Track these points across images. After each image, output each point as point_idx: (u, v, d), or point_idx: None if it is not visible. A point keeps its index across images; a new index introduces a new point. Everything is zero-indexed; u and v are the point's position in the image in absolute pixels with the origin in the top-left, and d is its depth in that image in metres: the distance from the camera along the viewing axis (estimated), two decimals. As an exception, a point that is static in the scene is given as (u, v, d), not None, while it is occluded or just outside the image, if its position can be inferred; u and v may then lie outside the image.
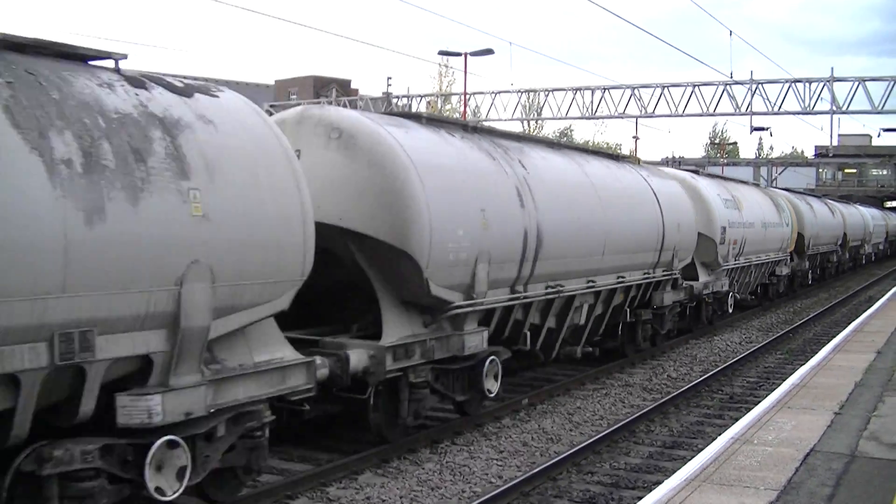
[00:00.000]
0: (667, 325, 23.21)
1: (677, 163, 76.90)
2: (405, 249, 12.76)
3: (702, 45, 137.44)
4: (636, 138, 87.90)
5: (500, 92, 61.72)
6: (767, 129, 71.10)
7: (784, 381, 15.77)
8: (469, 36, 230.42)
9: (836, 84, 52.62)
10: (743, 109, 55.33)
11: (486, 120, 59.24)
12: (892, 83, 49.53)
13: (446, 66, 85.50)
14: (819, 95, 52.62)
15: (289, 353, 10.88)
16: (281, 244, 10.13)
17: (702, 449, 11.43)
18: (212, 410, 9.45)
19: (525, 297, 15.77)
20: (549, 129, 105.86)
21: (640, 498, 9.48)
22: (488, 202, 14.31)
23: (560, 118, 63.74)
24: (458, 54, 49.44)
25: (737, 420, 12.86)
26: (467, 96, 59.35)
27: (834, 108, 52.96)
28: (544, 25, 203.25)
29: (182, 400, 9.07)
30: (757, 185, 38.57)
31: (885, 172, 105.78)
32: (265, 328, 10.58)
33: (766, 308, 34.86)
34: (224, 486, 10.43)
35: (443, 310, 13.78)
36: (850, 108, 53.04)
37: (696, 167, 40.52)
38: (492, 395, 15.11)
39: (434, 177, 13.20)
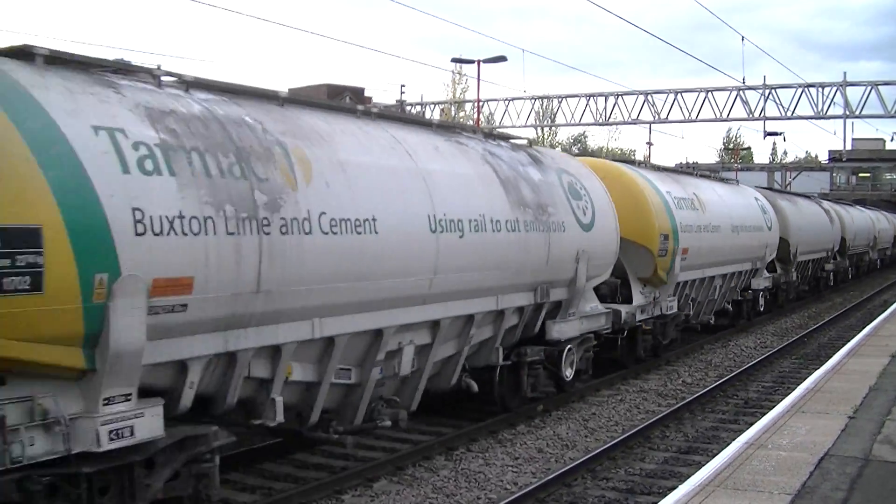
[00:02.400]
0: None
1: (692, 167, 76.85)
2: None
3: (715, 51, 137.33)
4: (650, 144, 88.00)
5: (513, 99, 61.85)
6: (781, 133, 70.95)
7: (798, 385, 15.73)
8: (482, 43, 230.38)
9: (849, 88, 52.63)
10: (756, 114, 55.38)
11: (500, 126, 59.31)
12: (905, 87, 49.53)
13: (459, 74, 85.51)
14: (832, 100, 52.67)
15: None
16: None
17: (717, 454, 11.44)
18: None
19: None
20: (563, 136, 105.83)
21: None
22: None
23: (574, 124, 64.01)
24: (471, 62, 49.49)
25: (752, 425, 12.86)
26: (481, 103, 59.38)
27: (847, 112, 52.93)
28: (557, 32, 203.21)
29: None
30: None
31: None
32: None
33: (781, 313, 34.65)
34: None
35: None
36: (864, 113, 53.01)
37: (710, 172, 39.93)
38: None
39: None
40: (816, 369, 17.55)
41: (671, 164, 65.17)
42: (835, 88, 52.98)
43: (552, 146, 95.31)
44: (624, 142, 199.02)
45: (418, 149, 13.02)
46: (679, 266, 21.45)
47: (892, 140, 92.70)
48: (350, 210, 10.91)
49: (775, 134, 68.81)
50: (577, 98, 60.54)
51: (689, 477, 10.12)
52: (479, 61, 48.15)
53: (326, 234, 10.48)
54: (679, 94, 57.22)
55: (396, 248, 11.63)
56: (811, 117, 54.45)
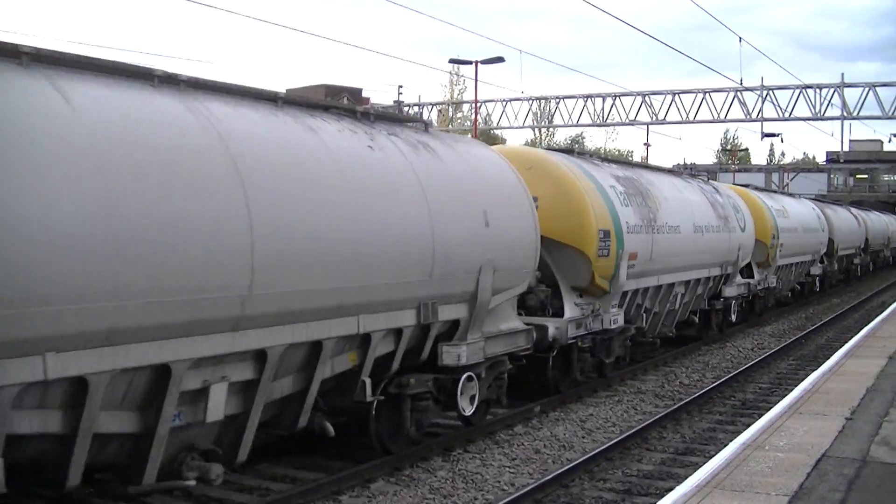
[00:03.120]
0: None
1: (689, 169, 76.89)
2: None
3: (712, 52, 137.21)
4: (647, 145, 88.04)
5: (511, 100, 61.84)
6: (778, 135, 71.01)
7: (796, 386, 15.74)
8: (480, 44, 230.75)
9: (846, 90, 52.63)
10: (754, 116, 55.35)
11: (497, 128, 59.33)
12: (903, 88, 49.49)
13: (457, 75, 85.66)
14: (830, 101, 52.64)
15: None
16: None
17: (714, 455, 11.43)
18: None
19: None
20: (561, 137, 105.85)
21: (651, 504, 9.49)
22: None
23: (571, 125, 64.01)
24: (469, 62, 49.45)
25: (749, 426, 12.85)
26: (478, 104, 59.40)
27: (845, 113, 52.91)
28: (555, 33, 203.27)
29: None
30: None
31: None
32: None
33: (779, 315, 34.88)
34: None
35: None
36: (861, 114, 52.99)
37: (708, 173, 41.23)
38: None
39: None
40: (814, 370, 17.55)
41: (668, 165, 65.19)
42: (832, 90, 53.04)
43: (549, 147, 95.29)
44: (621, 143, 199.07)
45: (680, 186, 24.11)
46: (779, 255, 32.17)
47: (889, 141, 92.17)
48: (672, 221, 21.45)
49: (773, 135, 68.92)
50: (575, 99, 60.61)
51: (685, 478, 10.12)
52: (476, 62, 48.16)
53: (667, 233, 21.00)
54: (677, 96, 57.29)
55: (685, 240, 22.28)
56: (809, 118, 54.53)
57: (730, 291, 27.01)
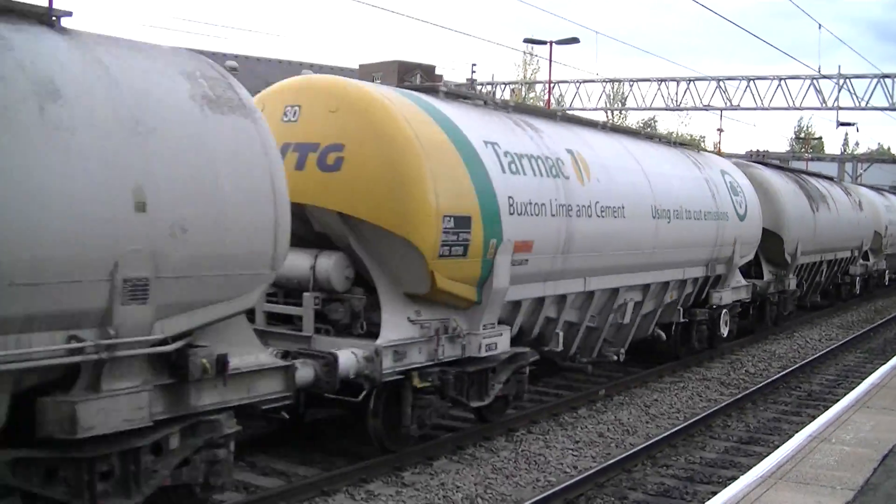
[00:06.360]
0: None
1: (762, 156, 76.10)
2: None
3: (790, 38, 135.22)
4: (720, 130, 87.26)
5: (584, 81, 61.36)
6: (854, 124, 69.83)
7: (863, 380, 15.62)
8: (555, 24, 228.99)
9: (926, 80, 51.63)
10: (829, 104, 54.49)
11: (569, 109, 59.04)
12: (984, 79, 48.60)
13: (531, 54, 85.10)
14: (908, 91, 51.70)
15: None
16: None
17: (778, 446, 11.38)
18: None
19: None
20: (633, 119, 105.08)
21: (715, 493, 9.48)
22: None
23: (644, 108, 63.30)
24: (544, 42, 49.12)
25: (815, 418, 12.78)
26: (551, 85, 59.12)
27: (923, 104, 51.98)
28: (631, 16, 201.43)
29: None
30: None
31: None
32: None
33: (846, 307, 34.53)
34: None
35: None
36: (940, 105, 52.01)
37: (780, 161, 40.97)
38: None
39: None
40: (882, 364, 17.40)
41: (741, 151, 64.35)
42: (911, 79, 52.11)
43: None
44: (694, 128, 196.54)
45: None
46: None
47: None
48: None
49: (848, 124, 67.78)
50: (649, 82, 60.01)
51: (749, 467, 10.12)
52: (551, 42, 47.89)
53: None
54: (752, 82, 56.51)
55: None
56: (885, 108, 53.65)
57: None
